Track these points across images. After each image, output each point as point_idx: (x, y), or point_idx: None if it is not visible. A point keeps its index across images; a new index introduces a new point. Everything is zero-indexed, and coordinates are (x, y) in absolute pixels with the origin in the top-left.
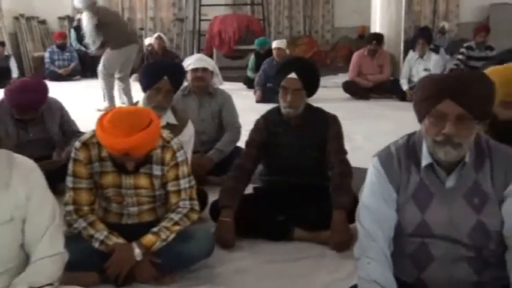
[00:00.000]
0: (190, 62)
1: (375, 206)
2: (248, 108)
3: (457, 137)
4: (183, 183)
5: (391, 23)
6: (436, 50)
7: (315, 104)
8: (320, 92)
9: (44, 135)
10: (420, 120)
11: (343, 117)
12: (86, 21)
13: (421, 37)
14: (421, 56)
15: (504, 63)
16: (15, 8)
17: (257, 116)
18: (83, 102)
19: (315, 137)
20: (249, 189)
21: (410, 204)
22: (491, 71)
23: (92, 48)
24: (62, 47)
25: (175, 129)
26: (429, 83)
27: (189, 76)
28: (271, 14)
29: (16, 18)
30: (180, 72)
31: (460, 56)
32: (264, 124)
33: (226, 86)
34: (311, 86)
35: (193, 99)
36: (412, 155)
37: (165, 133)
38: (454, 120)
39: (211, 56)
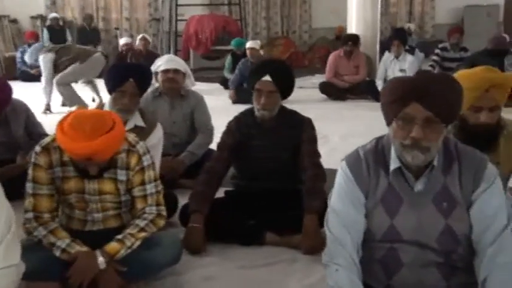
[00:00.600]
0: (160, 63)
1: (344, 211)
2: (223, 110)
3: (425, 141)
4: (150, 188)
5: (367, 24)
6: (411, 51)
7: (292, 105)
8: (297, 93)
9: (7, 138)
10: (388, 124)
11: (319, 118)
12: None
13: (396, 38)
14: (397, 57)
15: (475, 65)
16: None
17: (231, 118)
18: (54, 103)
19: (288, 139)
20: (220, 193)
21: (379, 209)
22: (459, 75)
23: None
24: None
25: (144, 132)
26: (396, 85)
27: (160, 77)
28: (249, 14)
29: None
30: (146, 75)
31: (434, 57)
32: (236, 126)
33: (203, 87)
34: (285, 88)
35: (164, 100)
36: (381, 158)
37: (131, 137)
38: (422, 123)
39: (188, 57)
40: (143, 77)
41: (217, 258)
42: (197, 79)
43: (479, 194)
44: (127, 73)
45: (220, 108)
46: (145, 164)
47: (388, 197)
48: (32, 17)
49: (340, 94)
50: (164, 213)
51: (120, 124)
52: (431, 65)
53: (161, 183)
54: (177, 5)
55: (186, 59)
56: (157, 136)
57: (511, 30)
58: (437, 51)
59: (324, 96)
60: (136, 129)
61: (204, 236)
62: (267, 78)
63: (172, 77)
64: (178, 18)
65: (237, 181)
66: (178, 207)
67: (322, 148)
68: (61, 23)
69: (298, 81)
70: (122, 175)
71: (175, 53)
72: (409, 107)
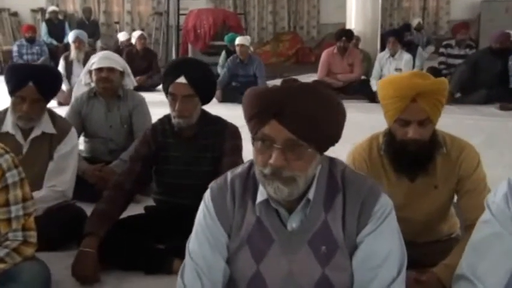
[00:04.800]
0: (94, 61)
1: (198, 254)
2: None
3: (287, 170)
4: (15, 210)
5: (367, 20)
6: (413, 49)
7: None
8: None
9: None
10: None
11: None
12: None
13: (391, 35)
14: (392, 55)
15: (477, 65)
16: None
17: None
18: None
19: (209, 150)
20: (140, 209)
21: (245, 251)
22: (382, 82)
23: None
24: (31, 41)
25: (54, 139)
26: (253, 98)
27: (93, 76)
28: (254, 8)
29: None
30: (50, 78)
31: (441, 58)
32: (151, 135)
33: None
34: (204, 91)
35: (100, 102)
36: (251, 186)
37: None
38: (283, 147)
39: (186, 52)
40: (45, 80)
41: None
42: None
43: (365, 236)
44: (25, 76)
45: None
46: (9, 181)
47: (256, 236)
48: (33, 10)
49: None
50: (33, 239)
51: None
52: (440, 63)
53: (93, 194)
54: None
55: (184, 54)
56: (70, 144)
57: None
58: (441, 49)
59: None
60: (45, 137)
61: (97, 262)
62: (182, 80)
63: (106, 76)
64: (181, 12)
65: (156, 197)
66: None
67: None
68: (60, 16)
69: (299, 79)
70: None
71: (177, 48)
72: (267, 126)
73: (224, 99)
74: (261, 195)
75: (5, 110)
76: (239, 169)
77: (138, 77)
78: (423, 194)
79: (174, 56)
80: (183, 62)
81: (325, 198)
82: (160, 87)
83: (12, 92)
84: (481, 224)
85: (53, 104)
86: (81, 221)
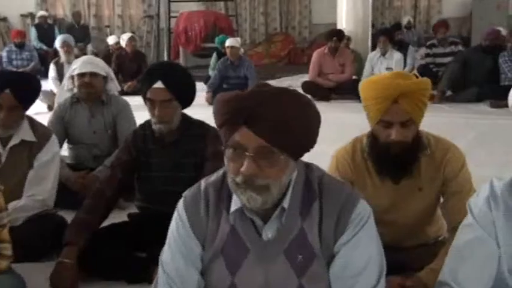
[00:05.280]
0: (76, 66)
1: (171, 266)
2: (196, 113)
3: (260, 178)
4: None
5: (358, 20)
6: (403, 47)
7: None
8: None
9: None
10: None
11: None
12: None
13: (382, 34)
14: (383, 54)
15: (467, 63)
16: None
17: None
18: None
19: (191, 156)
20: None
21: (219, 261)
22: (364, 83)
23: None
24: (21, 46)
25: (34, 147)
26: (222, 104)
27: (75, 82)
28: (246, 10)
29: None
30: (28, 85)
31: (428, 59)
32: (132, 141)
33: None
34: (183, 95)
35: (83, 108)
36: (225, 195)
37: None
38: (254, 155)
39: (177, 55)
40: (22, 87)
41: None
42: None
43: (343, 245)
44: (2, 83)
45: (194, 112)
46: None
47: (231, 246)
48: (22, 15)
49: (325, 94)
50: (7, 252)
51: None
52: (426, 63)
53: (76, 201)
54: (170, 1)
55: (176, 57)
56: (50, 151)
57: None
58: (427, 50)
59: (308, 96)
60: (25, 144)
61: (76, 273)
62: (159, 85)
63: (89, 81)
64: (173, 14)
65: (139, 203)
66: None
67: None
68: (50, 21)
69: (288, 80)
70: None
71: (169, 51)
72: (237, 134)
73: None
74: (235, 204)
75: None
76: (213, 177)
77: (129, 83)
78: (408, 197)
79: (165, 59)
80: (159, 67)
81: (302, 205)
82: None
83: None
84: (463, 228)
85: (42, 109)
86: (62, 230)
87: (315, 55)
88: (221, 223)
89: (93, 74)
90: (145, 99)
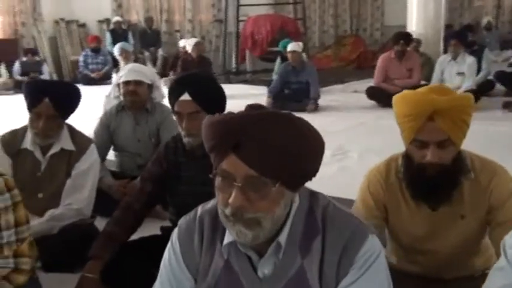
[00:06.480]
0: (122, 74)
1: None
2: None
3: (250, 211)
4: (7, 236)
5: (429, 21)
6: (478, 51)
7: (330, 112)
8: (347, 98)
9: None
10: None
11: (350, 128)
12: None
13: (453, 37)
14: (454, 58)
15: None
16: (55, 12)
17: None
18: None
19: None
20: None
21: None
22: (397, 97)
23: None
24: (96, 51)
25: (73, 156)
26: (209, 128)
27: (121, 90)
28: (315, 12)
29: (56, 22)
30: (67, 95)
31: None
32: (163, 154)
33: (252, 90)
34: (211, 106)
35: (128, 115)
36: (221, 225)
37: None
38: (242, 185)
39: (244, 59)
40: (61, 96)
41: None
42: (252, 82)
43: (346, 287)
44: (41, 92)
45: None
46: (1, 205)
47: (224, 282)
48: (99, 21)
49: (390, 100)
50: (26, 266)
51: None
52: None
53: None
54: (239, 5)
55: (242, 61)
56: (88, 161)
57: None
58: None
59: (372, 102)
60: (63, 153)
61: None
62: (186, 97)
63: (134, 89)
64: (241, 18)
65: (171, 216)
66: None
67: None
68: (124, 26)
69: (355, 85)
70: None
71: (237, 54)
72: (225, 161)
73: (275, 107)
74: (229, 236)
75: (26, 127)
76: (209, 204)
77: None
78: (448, 225)
79: (233, 63)
80: (185, 78)
81: (302, 240)
82: None
83: (29, 109)
84: (495, 271)
85: None
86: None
87: (381, 59)
88: (215, 256)
89: (138, 82)
90: (173, 112)
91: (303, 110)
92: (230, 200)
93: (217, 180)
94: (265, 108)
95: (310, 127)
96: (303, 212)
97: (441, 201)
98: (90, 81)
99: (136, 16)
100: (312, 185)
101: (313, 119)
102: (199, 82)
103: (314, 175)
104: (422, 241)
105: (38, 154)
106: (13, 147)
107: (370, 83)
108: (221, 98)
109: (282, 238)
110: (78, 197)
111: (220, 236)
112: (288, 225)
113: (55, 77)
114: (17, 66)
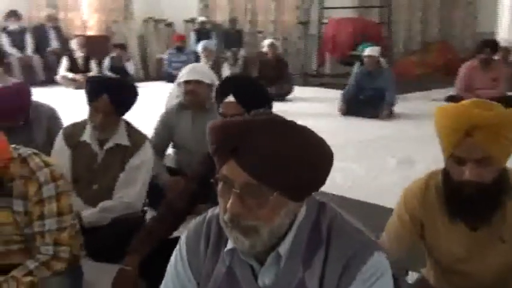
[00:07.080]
0: (182, 74)
1: None
2: (325, 125)
3: (247, 218)
4: (49, 224)
5: None
6: None
7: (403, 120)
8: (423, 107)
9: (28, 145)
10: None
11: (417, 138)
12: None
13: None
14: None
15: None
16: (145, 11)
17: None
18: None
19: None
20: None
21: None
22: (440, 108)
23: None
24: (181, 49)
25: (127, 152)
26: (211, 132)
27: (182, 89)
28: (401, 16)
29: (145, 20)
30: (124, 91)
31: None
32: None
33: (330, 94)
34: (256, 109)
35: (187, 114)
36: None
37: (35, 161)
38: (239, 191)
39: (323, 61)
40: (119, 93)
41: None
42: (329, 85)
43: None
44: (100, 88)
45: (323, 123)
46: (45, 195)
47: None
48: (185, 21)
49: None
50: (64, 254)
51: None
52: None
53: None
54: (322, 7)
55: (322, 63)
56: (142, 157)
57: None
58: None
59: None
60: (118, 148)
61: (136, 281)
62: (231, 99)
63: (193, 89)
64: (324, 21)
65: None
66: None
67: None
68: (208, 26)
69: (437, 93)
70: (18, 205)
71: (318, 57)
72: (225, 166)
73: (348, 112)
74: (229, 243)
75: (86, 120)
76: (217, 209)
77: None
78: (487, 247)
79: (313, 65)
80: (230, 80)
81: (305, 252)
82: (291, 96)
83: (88, 102)
84: None
85: None
86: None
87: (464, 67)
88: (219, 262)
89: (197, 82)
90: (219, 113)
91: (376, 116)
92: (227, 206)
93: (219, 185)
94: (271, 114)
95: (314, 136)
96: (309, 223)
97: (480, 221)
98: (173, 79)
99: (221, 16)
100: (369, 192)
101: (384, 127)
102: (244, 85)
103: (319, 186)
104: (458, 262)
105: (95, 147)
106: (73, 139)
107: (450, 92)
108: (266, 101)
109: (283, 249)
110: (129, 191)
111: (225, 241)
112: (291, 236)
113: (141, 75)
114: (107, 61)
